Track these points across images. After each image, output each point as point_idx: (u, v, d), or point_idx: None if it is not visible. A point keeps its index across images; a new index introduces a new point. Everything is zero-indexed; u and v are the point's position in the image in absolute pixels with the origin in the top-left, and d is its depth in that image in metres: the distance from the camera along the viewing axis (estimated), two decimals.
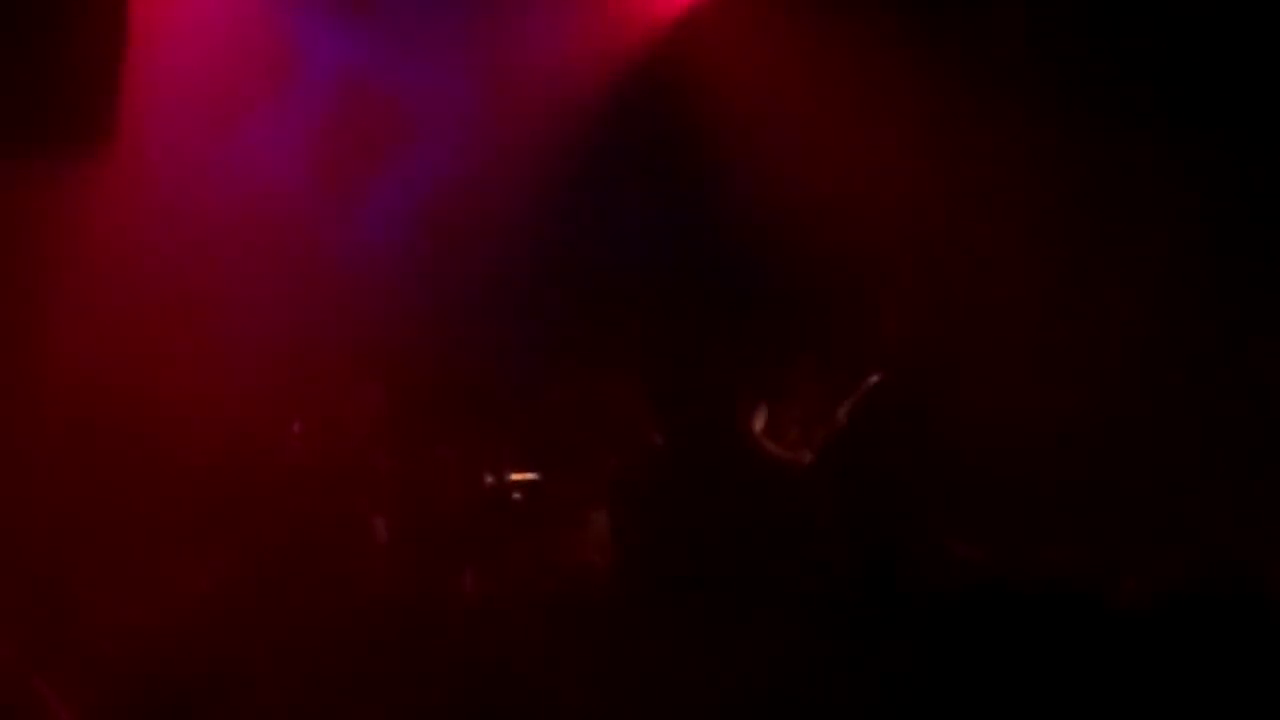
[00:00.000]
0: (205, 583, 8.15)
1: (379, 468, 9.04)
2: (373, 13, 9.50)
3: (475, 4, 9.46)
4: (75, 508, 8.22)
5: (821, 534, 8.58)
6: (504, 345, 9.47)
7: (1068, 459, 8.62)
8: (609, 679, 7.11)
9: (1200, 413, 8.51)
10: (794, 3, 9.24)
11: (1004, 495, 8.56)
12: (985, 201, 8.98)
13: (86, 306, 8.56)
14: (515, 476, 9.12)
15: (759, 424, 9.06)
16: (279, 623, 7.66)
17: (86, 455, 8.37)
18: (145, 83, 8.55)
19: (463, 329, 9.34)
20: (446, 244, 9.41)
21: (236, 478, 8.68)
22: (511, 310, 9.55)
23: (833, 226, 9.08)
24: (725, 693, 6.80)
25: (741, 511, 8.60)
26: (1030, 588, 6.97)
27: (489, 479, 9.11)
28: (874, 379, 8.81)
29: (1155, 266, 8.74)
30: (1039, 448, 8.67)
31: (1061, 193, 8.97)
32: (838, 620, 7.39)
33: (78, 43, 8.15)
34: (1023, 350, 8.81)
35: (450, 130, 9.58)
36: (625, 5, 9.65)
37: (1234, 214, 8.54)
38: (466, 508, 9.02)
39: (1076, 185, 8.96)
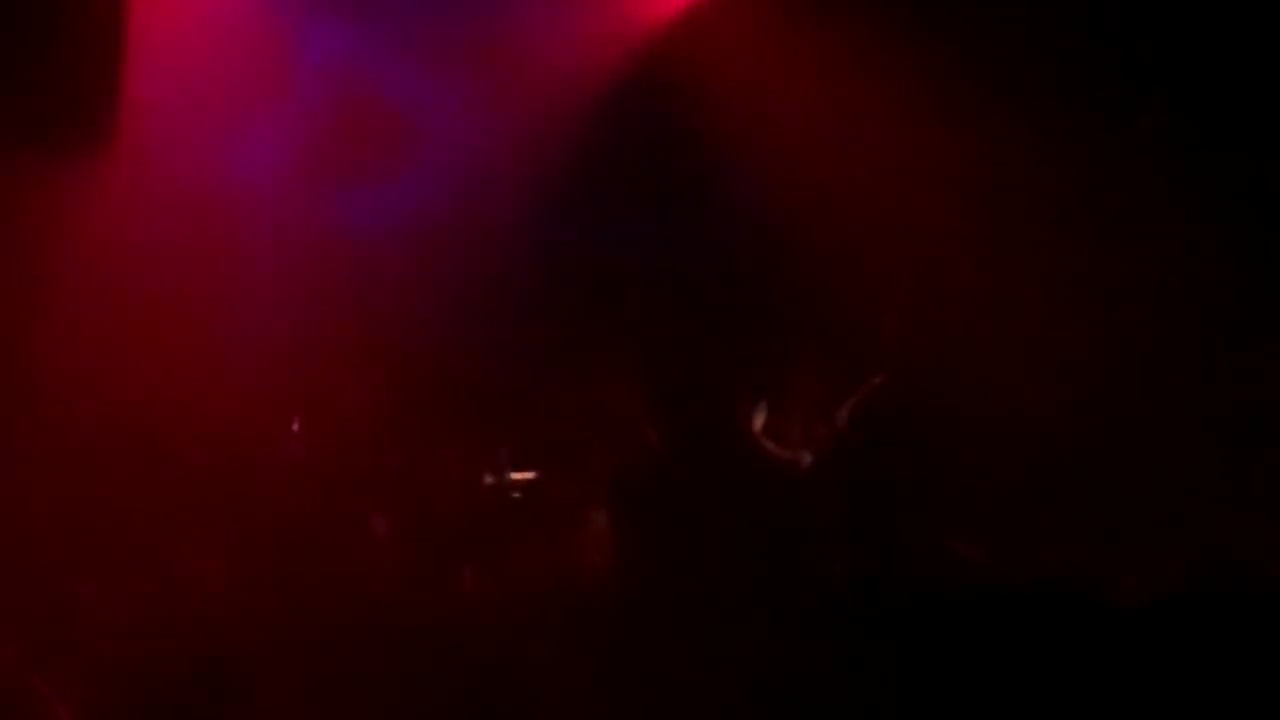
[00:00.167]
0: (205, 582, 8.14)
1: (379, 467, 9.04)
2: (372, 13, 9.49)
3: (475, 4, 9.45)
4: (75, 507, 8.21)
5: (821, 533, 8.58)
6: (504, 345, 9.46)
7: (1068, 459, 8.62)
8: (609, 679, 7.11)
9: (1200, 412, 8.51)
10: (794, 2, 9.23)
11: (1004, 495, 8.56)
12: (986, 201, 8.97)
13: (86, 306, 8.56)
14: (515, 476, 9.13)
15: (759, 424, 9.06)
16: (279, 622, 7.66)
17: (86, 455, 8.37)
18: (145, 83, 8.55)
19: (463, 329, 9.34)
20: (447, 244, 9.40)
21: (236, 477, 8.68)
22: (511, 310, 9.54)
23: (833, 226, 9.07)
24: (725, 692, 6.81)
25: (742, 511, 8.60)
26: (1030, 588, 6.98)
27: (489, 479, 9.11)
28: (875, 380, 8.82)
29: (1155, 266, 8.74)
30: (1039, 448, 8.67)
31: (1062, 192, 8.96)
32: (838, 620, 7.39)
33: (78, 43, 8.15)
34: (1023, 350, 8.80)
35: (450, 131, 9.57)
36: (625, 5, 9.65)
37: (1235, 213, 8.53)
38: (466, 508, 9.02)
39: (1077, 185, 8.96)
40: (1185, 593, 6.88)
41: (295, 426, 9.07)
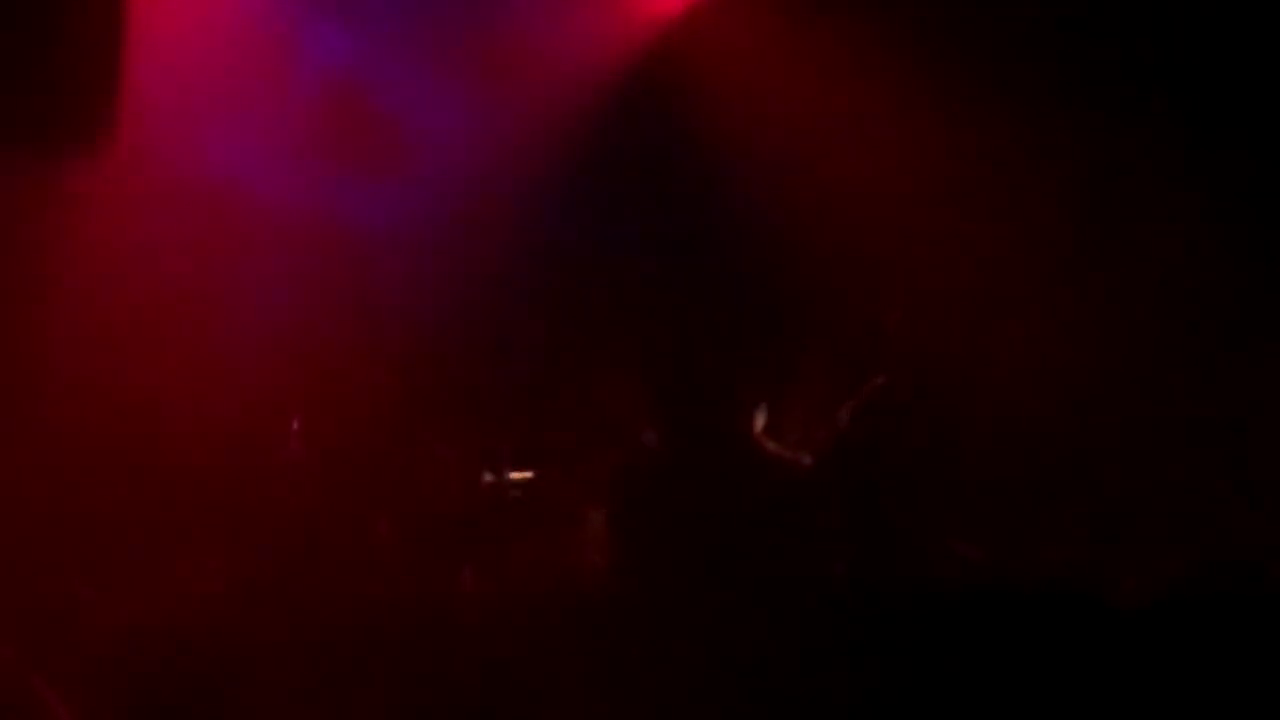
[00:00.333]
0: (205, 582, 8.14)
1: (379, 467, 9.03)
2: (372, 13, 9.49)
3: (475, 4, 9.45)
4: (75, 507, 8.21)
5: (821, 533, 8.58)
6: (504, 345, 9.46)
7: (1068, 459, 8.62)
8: (609, 679, 7.11)
9: (1200, 413, 8.51)
10: (795, 2, 9.23)
11: (1004, 495, 8.56)
12: (987, 202, 8.97)
13: (85, 306, 8.55)
14: (515, 476, 9.13)
15: (759, 424, 9.06)
16: (279, 622, 7.66)
17: (86, 455, 8.36)
18: (145, 83, 8.54)
19: (463, 329, 9.34)
20: (446, 243, 9.40)
21: (236, 477, 8.68)
22: (511, 310, 9.55)
23: (834, 226, 9.07)
24: (725, 692, 6.80)
25: (742, 512, 8.59)
26: (1030, 588, 6.98)
27: (489, 479, 9.11)
28: (877, 381, 8.82)
29: (1156, 266, 8.74)
30: (1039, 448, 8.67)
31: (1064, 192, 8.96)
32: (838, 620, 7.39)
33: (78, 43, 8.14)
34: (1024, 350, 8.80)
35: (450, 130, 9.57)
36: (625, 5, 9.65)
37: (1235, 213, 8.53)
38: (466, 507, 9.02)
39: (1080, 185, 8.96)
40: (1185, 593, 6.88)
41: (295, 426, 9.07)
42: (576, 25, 9.53)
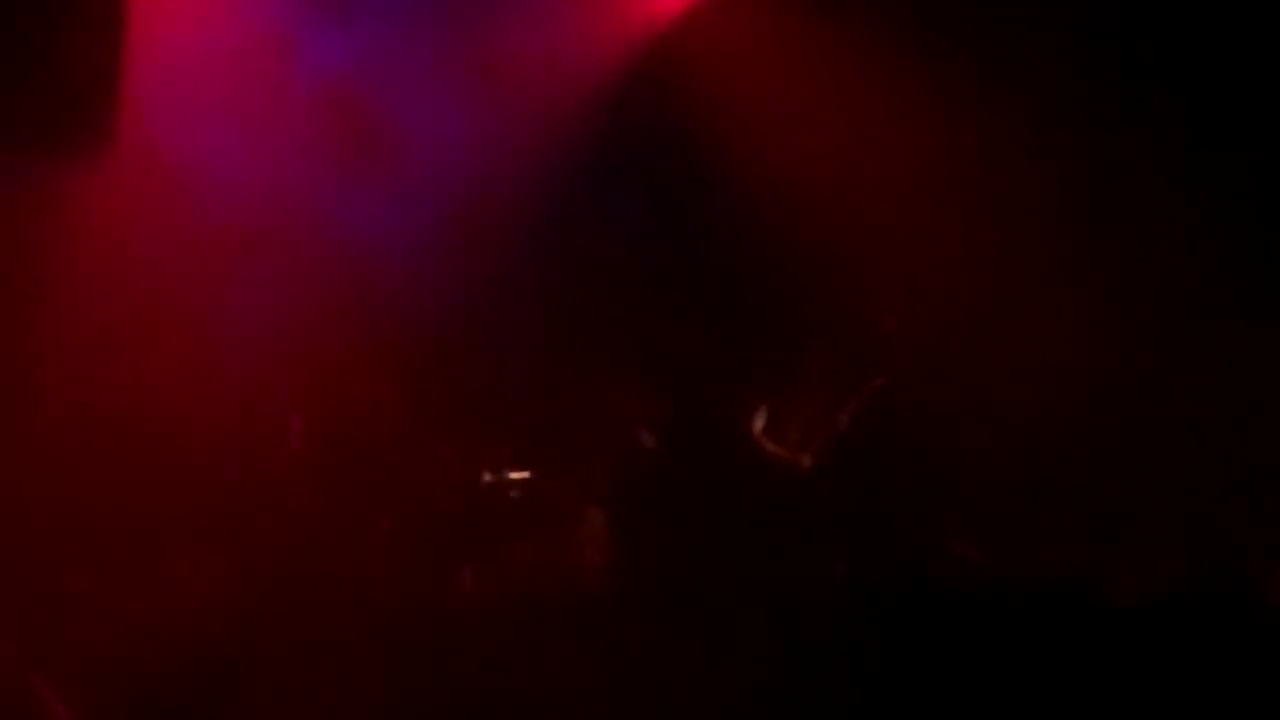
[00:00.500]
0: (205, 582, 8.14)
1: (378, 467, 9.03)
2: (372, 14, 9.49)
3: (475, 6, 9.45)
4: (75, 507, 8.21)
5: (821, 533, 8.58)
6: (504, 345, 9.46)
7: (1068, 459, 8.62)
8: (608, 678, 7.11)
9: (1200, 413, 8.51)
10: (795, 3, 9.23)
11: (1003, 495, 8.56)
12: (987, 202, 8.97)
13: (85, 305, 8.56)
14: (514, 476, 9.13)
15: (759, 425, 9.06)
16: (279, 622, 7.66)
17: (86, 454, 8.37)
18: (145, 83, 8.54)
19: (463, 328, 9.34)
20: (447, 244, 9.40)
21: (236, 477, 8.68)
22: (511, 310, 9.55)
23: (834, 227, 9.07)
24: (725, 692, 6.80)
25: (741, 512, 8.60)
26: (1030, 588, 6.98)
27: (488, 479, 9.11)
28: (877, 382, 8.82)
29: (1155, 266, 8.74)
30: (1039, 448, 8.67)
31: (1064, 193, 8.96)
32: (838, 620, 7.39)
33: (77, 43, 8.14)
34: (1024, 351, 8.80)
35: (449, 132, 9.57)
36: (625, 6, 9.65)
37: (1235, 213, 8.53)
38: (466, 507, 9.02)
39: (1079, 185, 8.96)
40: (1185, 593, 6.87)
41: (295, 426, 9.07)
42: (576, 26, 9.53)
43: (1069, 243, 8.89)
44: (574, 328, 9.53)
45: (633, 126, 9.53)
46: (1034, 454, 8.66)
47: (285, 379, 9.01)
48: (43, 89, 8.10)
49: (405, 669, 7.19)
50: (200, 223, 9.01)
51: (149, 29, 8.52)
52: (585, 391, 9.27)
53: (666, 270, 9.63)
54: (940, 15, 9.05)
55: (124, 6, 8.29)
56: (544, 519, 8.95)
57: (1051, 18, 8.92)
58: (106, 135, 8.30)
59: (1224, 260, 8.53)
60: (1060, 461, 8.62)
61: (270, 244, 9.12)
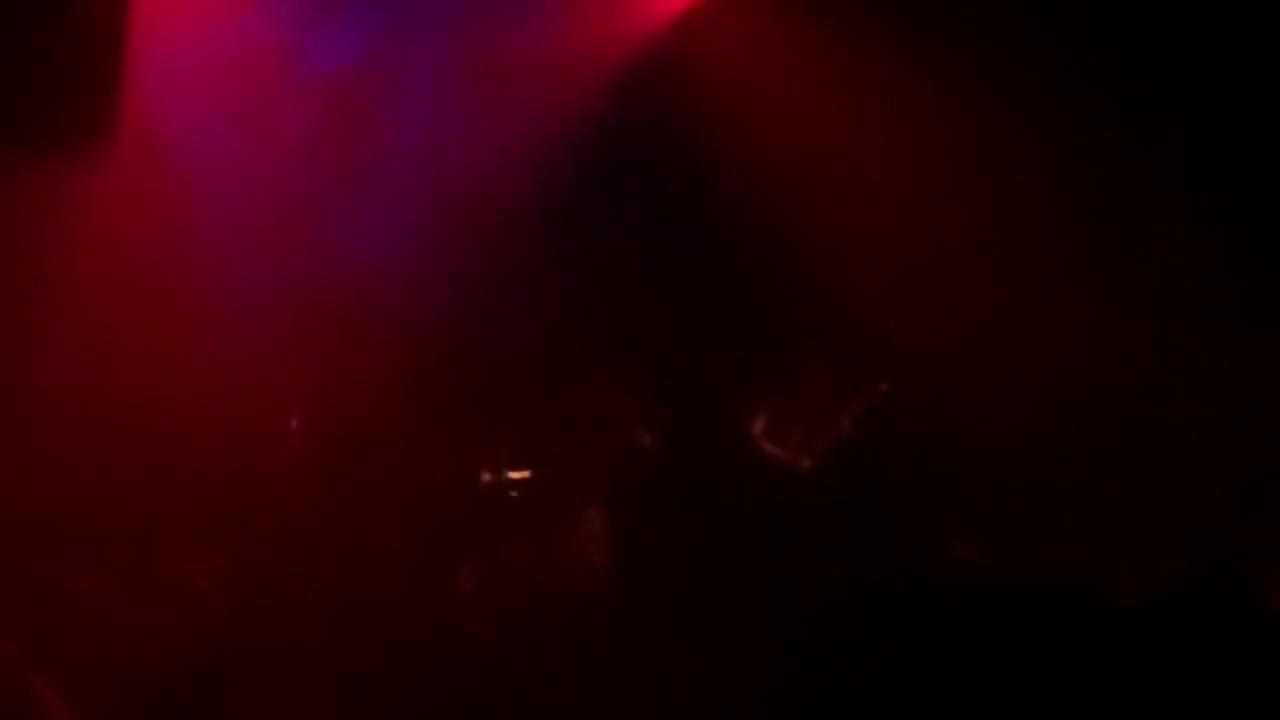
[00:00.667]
0: (204, 581, 8.15)
1: (378, 466, 9.04)
2: (373, 14, 9.49)
3: (475, 3, 9.45)
4: (75, 507, 8.21)
5: (821, 534, 8.58)
6: (504, 345, 9.46)
7: (1068, 459, 8.62)
8: (608, 679, 7.12)
9: (1200, 413, 8.51)
10: (796, 3, 9.23)
11: (1003, 495, 8.56)
12: (987, 203, 8.97)
13: (86, 305, 8.56)
14: (514, 476, 9.13)
15: (759, 426, 9.06)
16: (278, 621, 7.66)
17: (86, 454, 8.37)
18: (145, 82, 8.55)
19: (463, 328, 9.34)
20: (446, 244, 9.40)
21: (236, 476, 8.68)
22: (512, 310, 9.55)
23: (835, 229, 9.07)
24: (725, 692, 6.81)
25: (740, 512, 8.60)
26: (1030, 588, 6.98)
27: (488, 478, 9.11)
28: (877, 385, 8.82)
29: (1156, 268, 8.73)
30: (1039, 448, 8.67)
31: (1064, 193, 8.96)
32: (837, 621, 7.39)
33: (78, 43, 8.14)
34: (1024, 351, 8.80)
35: (449, 132, 9.57)
36: (625, 6, 9.65)
37: (1235, 214, 8.52)
38: (466, 507, 9.02)
39: (1079, 185, 8.96)
40: (1185, 593, 6.87)
41: (294, 425, 9.07)
42: (576, 27, 9.53)
43: (1069, 243, 8.88)
44: (574, 328, 9.53)
45: (633, 126, 9.52)
46: (1034, 454, 8.65)
47: (285, 379, 9.01)
48: (43, 89, 8.10)
49: (405, 669, 7.19)
50: (200, 223, 9.01)
51: (149, 29, 8.52)
52: (585, 391, 9.27)
53: (666, 270, 9.63)
54: (940, 15, 9.05)
55: (124, 7, 8.29)
56: (544, 519, 8.95)
57: (1051, 18, 8.91)
58: (106, 135, 8.30)
59: (1223, 260, 8.53)
60: (1060, 461, 8.62)
61: (270, 244, 9.12)
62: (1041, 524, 8.35)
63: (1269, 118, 8.57)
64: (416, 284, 9.30)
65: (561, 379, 9.35)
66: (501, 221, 9.40)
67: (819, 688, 6.69)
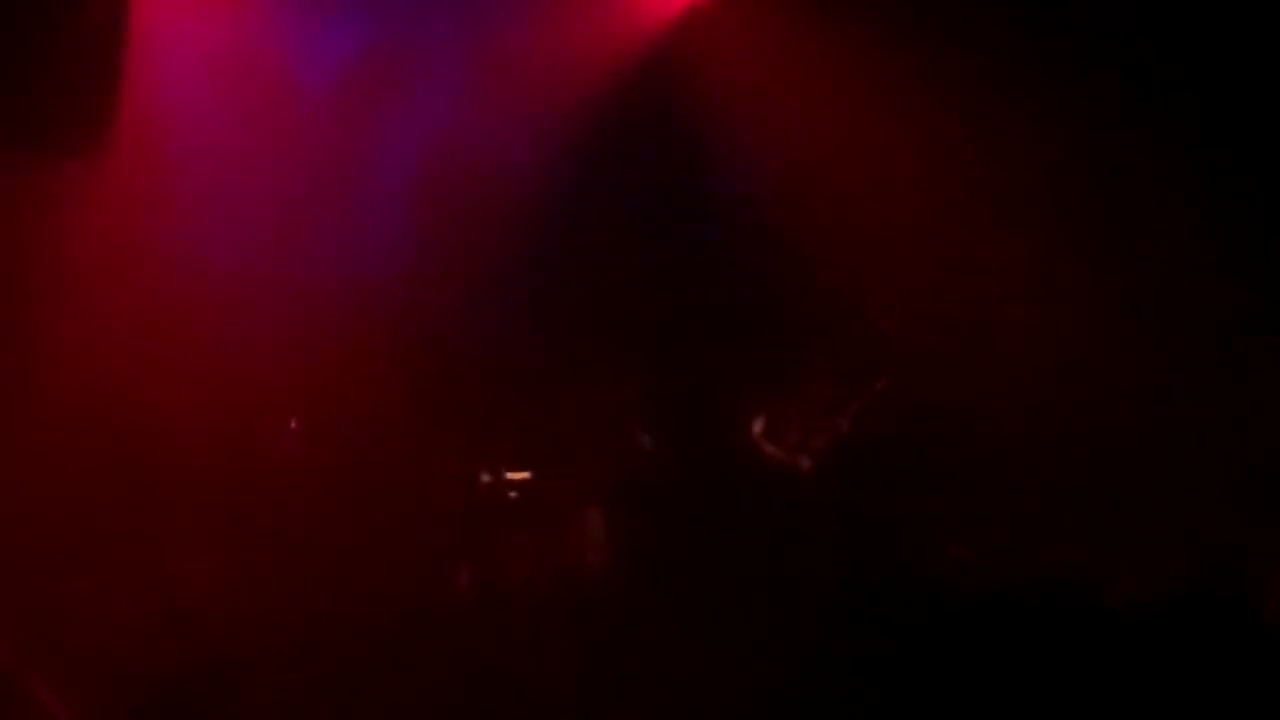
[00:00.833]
0: (204, 581, 8.15)
1: (378, 466, 9.04)
2: (373, 14, 9.49)
3: (476, 4, 9.45)
4: (75, 507, 8.21)
5: (821, 534, 8.58)
6: (504, 345, 9.46)
7: (1068, 459, 8.62)
8: (605, 677, 7.12)
9: (1200, 414, 8.51)
10: (796, 4, 9.23)
11: (1003, 495, 8.57)
12: (987, 202, 8.97)
13: (85, 306, 8.56)
14: (514, 476, 9.13)
15: (759, 426, 9.06)
16: (278, 621, 7.67)
17: (85, 455, 8.37)
18: (145, 83, 8.55)
19: (462, 329, 9.34)
20: (447, 244, 9.40)
21: (235, 476, 8.69)
22: (511, 311, 9.55)
23: (834, 229, 9.08)
24: (722, 691, 6.81)
25: (740, 512, 8.60)
26: (1030, 588, 6.97)
27: (486, 479, 9.11)
28: (877, 385, 8.82)
29: (1156, 268, 8.73)
30: (1039, 448, 8.67)
31: (1064, 194, 8.96)
32: (836, 620, 7.40)
33: (78, 43, 8.15)
34: (1024, 352, 8.80)
35: (450, 132, 9.57)
36: (625, 6, 9.65)
37: (1235, 216, 8.52)
38: (465, 507, 9.02)
39: (1079, 187, 8.95)
40: (1185, 593, 6.87)
41: (293, 425, 9.08)
42: (577, 27, 9.53)
43: (1069, 243, 8.88)
44: (574, 328, 9.53)
45: (634, 126, 9.52)
46: (1034, 454, 8.65)
47: (285, 379, 9.01)
48: (43, 89, 8.10)
49: (405, 669, 7.19)
50: (200, 223, 9.01)
51: (149, 29, 8.52)
52: (585, 391, 9.27)
53: (666, 270, 9.63)
54: (941, 16, 9.05)
55: (124, 7, 8.29)
56: (544, 519, 8.95)
57: (1051, 18, 8.91)
58: (106, 135, 8.31)
59: (1224, 261, 8.52)
60: (1060, 461, 8.62)
61: (270, 244, 9.13)
62: (1041, 524, 8.35)
63: (1269, 118, 8.56)
64: (416, 284, 9.30)
65: (561, 379, 9.35)
66: (501, 221, 9.40)
67: (819, 688, 6.69)
